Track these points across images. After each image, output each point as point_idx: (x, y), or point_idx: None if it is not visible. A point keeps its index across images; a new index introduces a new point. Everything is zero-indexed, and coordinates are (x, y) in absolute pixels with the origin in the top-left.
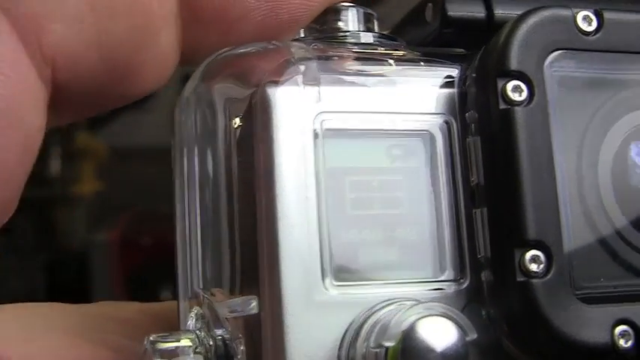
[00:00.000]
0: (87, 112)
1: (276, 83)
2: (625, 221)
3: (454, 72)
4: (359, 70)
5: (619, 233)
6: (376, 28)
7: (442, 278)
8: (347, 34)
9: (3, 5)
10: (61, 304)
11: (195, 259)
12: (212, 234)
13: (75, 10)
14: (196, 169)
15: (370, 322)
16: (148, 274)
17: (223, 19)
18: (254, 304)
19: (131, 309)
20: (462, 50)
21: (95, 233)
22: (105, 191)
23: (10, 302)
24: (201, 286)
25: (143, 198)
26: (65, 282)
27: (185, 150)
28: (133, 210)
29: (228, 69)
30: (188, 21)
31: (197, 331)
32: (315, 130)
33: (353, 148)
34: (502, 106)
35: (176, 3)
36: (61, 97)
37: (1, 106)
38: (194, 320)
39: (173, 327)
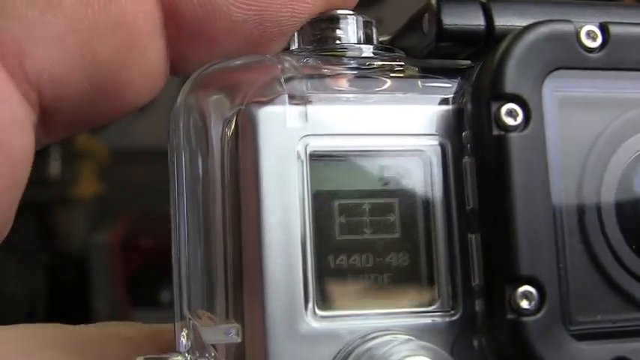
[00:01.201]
0: (78, 128)
1: (261, 103)
2: (629, 251)
3: (452, 88)
4: (351, 88)
5: (622, 264)
6: (375, 36)
7: (434, 308)
8: (344, 45)
9: None
10: (62, 325)
11: (186, 281)
12: (201, 255)
13: (56, 33)
14: (187, 184)
15: (354, 357)
16: (148, 276)
17: (209, 33)
18: (237, 332)
19: (132, 329)
20: (465, 62)
21: (95, 234)
22: (105, 193)
23: (10, 303)
24: (188, 309)
25: (143, 199)
26: (65, 283)
27: (176, 164)
28: (133, 211)
29: (216, 83)
30: (174, 35)
31: (186, 353)
32: (299, 153)
33: (342, 170)
34: (495, 131)
35: (160, 18)
36: (49, 117)
37: None
38: (185, 341)
39: (172, 348)
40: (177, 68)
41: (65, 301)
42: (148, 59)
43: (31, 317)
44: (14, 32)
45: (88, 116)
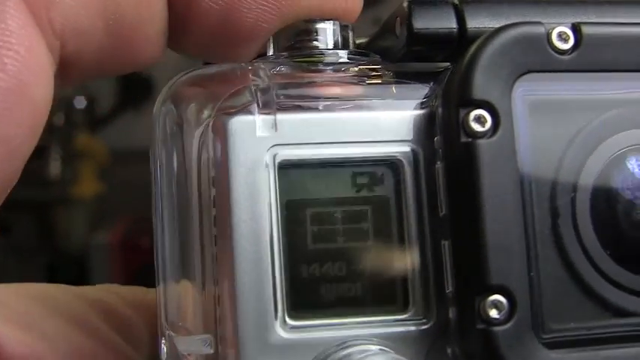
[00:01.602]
0: (89, 78)
1: (230, 113)
2: (605, 256)
3: (425, 92)
4: (324, 96)
5: (598, 269)
6: (351, 40)
7: (407, 316)
8: (320, 50)
9: None
10: (61, 285)
11: (163, 288)
12: (177, 265)
13: None
14: (165, 194)
15: None
16: (148, 276)
17: (188, 16)
18: (209, 343)
19: (132, 298)
20: (443, 64)
21: (95, 235)
22: (105, 193)
23: None
24: (165, 319)
25: (143, 199)
26: (65, 283)
27: (156, 172)
28: (133, 211)
29: (190, 92)
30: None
31: None
32: (267, 163)
33: (313, 178)
34: (463, 138)
35: None
36: (67, 66)
37: (13, 83)
38: (165, 349)
39: None
40: (175, 37)
41: None
42: (161, 20)
43: None
44: None
45: (101, 67)
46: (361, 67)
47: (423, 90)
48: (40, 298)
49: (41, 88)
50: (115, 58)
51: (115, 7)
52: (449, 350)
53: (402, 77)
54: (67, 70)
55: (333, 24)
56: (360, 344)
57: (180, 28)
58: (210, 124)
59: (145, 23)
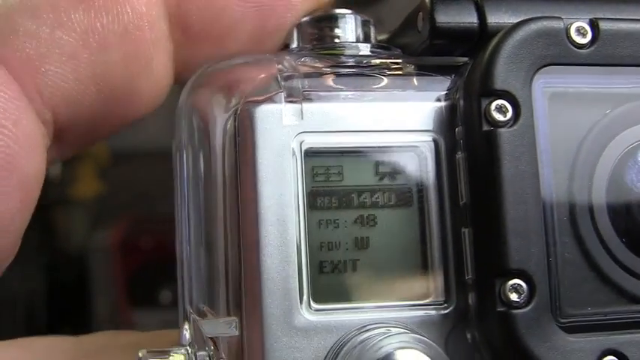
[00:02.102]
0: (89, 142)
1: (257, 101)
2: (620, 244)
3: (446, 84)
4: (347, 86)
5: (613, 257)
6: (373, 35)
7: (427, 301)
8: (342, 44)
9: None
10: (62, 337)
11: (188, 277)
12: (202, 250)
13: (68, 48)
14: (189, 180)
15: (347, 348)
16: (148, 276)
17: (212, 33)
18: (235, 325)
19: (131, 337)
20: (462, 59)
21: (95, 235)
22: (105, 193)
23: (10, 303)
24: (190, 304)
25: (143, 200)
26: (65, 284)
27: (178, 160)
28: (133, 212)
29: (216, 82)
30: (180, 41)
31: (188, 347)
32: (294, 150)
33: (338, 165)
34: (485, 127)
35: (166, 26)
36: (63, 135)
37: (1, 160)
38: (188, 335)
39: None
40: (183, 73)
41: (65, 301)
42: (155, 67)
43: (30, 317)
44: (28, 51)
45: (99, 129)
46: (383, 60)
47: (443, 82)
48: (41, 348)
49: (32, 161)
50: (111, 119)
51: (104, 67)
52: (468, 335)
53: (423, 70)
54: (63, 140)
55: (355, 19)
56: (382, 327)
57: (214, 44)
58: (238, 112)
59: (138, 77)
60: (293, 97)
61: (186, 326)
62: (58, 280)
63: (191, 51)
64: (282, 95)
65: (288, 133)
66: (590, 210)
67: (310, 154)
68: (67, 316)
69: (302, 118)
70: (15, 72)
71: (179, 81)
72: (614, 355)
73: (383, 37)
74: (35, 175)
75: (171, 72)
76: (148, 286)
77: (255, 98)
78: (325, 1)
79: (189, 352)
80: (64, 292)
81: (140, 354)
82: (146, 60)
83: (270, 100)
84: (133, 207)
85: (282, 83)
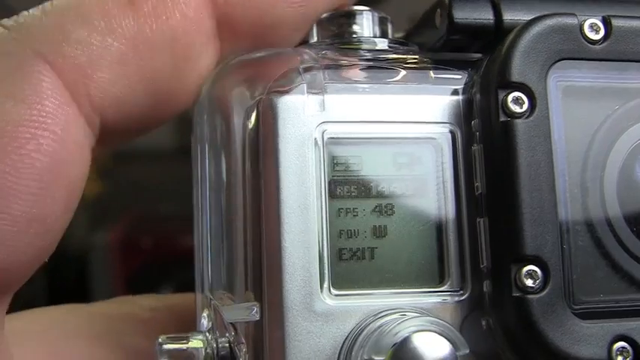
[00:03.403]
0: (132, 138)
1: (280, 92)
2: (631, 234)
3: (462, 79)
4: (366, 79)
5: (624, 246)
6: (390, 31)
7: (443, 288)
8: (361, 39)
9: (48, 58)
10: (76, 305)
11: (207, 262)
12: (223, 238)
13: (118, 54)
14: (210, 172)
15: (366, 333)
16: (148, 276)
17: (259, 30)
18: (256, 310)
19: (148, 305)
20: (477, 55)
21: (95, 234)
22: (105, 192)
23: (10, 302)
24: (210, 289)
25: (144, 199)
26: (65, 283)
27: (199, 152)
28: (133, 211)
29: (239, 75)
30: (227, 38)
31: (207, 332)
32: (316, 140)
33: (358, 155)
34: (502, 118)
35: (213, 26)
36: (108, 135)
37: (48, 162)
38: (206, 320)
39: (190, 322)
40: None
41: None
42: (200, 67)
43: None
44: (79, 58)
45: (144, 125)
46: (400, 55)
47: (460, 77)
48: (60, 322)
49: (77, 166)
50: (156, 115)
51: (153, 70)
52: (483, 322)
53: (440, 65)
54: (107, 137)
55: (372, 15)
56: (399, 312)
57: (258, 40)
58: (261, 103)
59: (185, 76)
60: (315, 88)
61: (205, 313)
62: (58, 279)
63: (237, 47)
64: (304, 87)
65: (310, 123)
66: (602, 199)
67: (331, 144)
68: None
69: (324, 109)
70: (66, 78)
71: None
72: (625, 341)
73: (399, 34)
74: (80, 177)
75: (214, 67)
76: (148, 285)
77: (278, 89)
78: None
79: (208, 337)
80: (64, 291)
81: (160, 339)
82: (194, 60)
83: (293, 91)
84: (133, 207)
85: (304, 75)
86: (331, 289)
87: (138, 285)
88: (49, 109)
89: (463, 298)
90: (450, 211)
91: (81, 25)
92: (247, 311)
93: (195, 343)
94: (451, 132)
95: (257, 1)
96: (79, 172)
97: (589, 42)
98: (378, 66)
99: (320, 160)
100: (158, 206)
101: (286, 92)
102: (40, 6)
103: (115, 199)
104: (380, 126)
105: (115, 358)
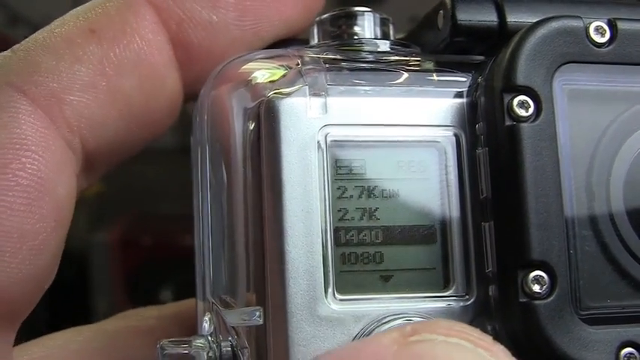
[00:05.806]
0: (114, 164)
1: (281, 95)
2: (638, 240)
3: (466, 81)
4: (369, 81)
5: (630, 252)
6: (392, 33)
7: (448, 293)
8: (362, 40)
9: (22, 88)
10: (83, 327)
11: (208, 265)
12: (224, 241)
13: (87, 78)
14: (210, 175)
15: None
16: (148, 275)
17: (214, 51)
18: (259, 314)
19: (151, 316)
20: (480, 57)
21: (95, 233)
22: (105, 192)
23: None
24: (211, 293)
25: (144, 199)
26: (65, 282)
27: (199, 155)
28: (134, 211)
29: (238, 77)
30: (185, 61)
31: (209, 336)
32: (319, 142)
33: (362, 158)
34: (508, 122)
35: (172, 50)
36: (91, 159)
37: (32, 180)
38: (208, 324)
39: (193, 328)
40: (192, 89)
41: (65, 301)
42: (168, 87)
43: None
44: (50, 85)
45: (124, 150)
46: (402, 56)
47: (463, 79)
48: (64, 342)
49: (62, 184)
50: (133, 139)
51: (122, 92)
52: (489, 327)
53: (442, 67)
54: (91, 166)
55: (373, 16)
56: (404, 317)
57: (217, 61)
58: (262, 105)
59: (154, 97)
60: (317, 90)
61: (206, 317)
62: (58, 278)
63: (197, 68)
64: (306, 89)
65: (313, 125)
66: (608, 205)
67: (334, 147)
68: (67, 313)
69: (326, 112)
70: (41, 104)
71: (190, 96)
72: (632, 347)
73: (401, 36)
74: (67, 197)
75: (182, 90)
76: (149, 284)
77: (280, 91)
78: (315, 7)
79: (210, 341)
80: (64, 290)
81: (161, 344)
82: (160, 81)
83: (295, 93)
84: (133, 206)
85: (306, 77)
86: (336, 293)
87: (138, 284)
88: (28, 133)
89: (468, 303)
90: (454, 215)
91: (48, 55)
92: (250, 315)
93: (197, 346)
94: (455, 135)
95: (209, 26)
96: (64, 192)
97: (595, 45)
98: (381, 68)
99: (323, 164)
100: (158, 206)
101: (288, 94)
102: (10, 48)
103: (115, 199)
104: (383, 129)
105: None
